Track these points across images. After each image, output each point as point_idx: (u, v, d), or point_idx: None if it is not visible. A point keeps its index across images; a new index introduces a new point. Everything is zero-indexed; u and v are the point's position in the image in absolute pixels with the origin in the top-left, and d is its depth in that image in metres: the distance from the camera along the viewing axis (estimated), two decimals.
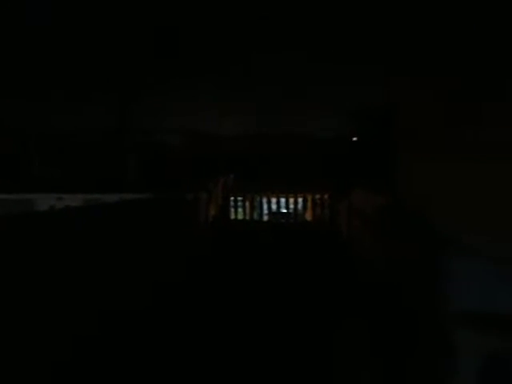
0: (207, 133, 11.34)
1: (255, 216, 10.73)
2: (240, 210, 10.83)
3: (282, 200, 10.92)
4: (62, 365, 2.23)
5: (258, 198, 10.73)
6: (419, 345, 2.57)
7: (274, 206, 10.96)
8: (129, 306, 3.15)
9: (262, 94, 6.70)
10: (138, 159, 7.49)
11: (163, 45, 4.56)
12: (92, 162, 10.50)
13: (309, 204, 10.68)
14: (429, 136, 3.17)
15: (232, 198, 10.73)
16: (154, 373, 2.77)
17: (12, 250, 1.92)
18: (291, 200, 10.95)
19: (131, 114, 7.90)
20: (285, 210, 10.93)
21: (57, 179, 9.65)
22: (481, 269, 2.38)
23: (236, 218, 10.60)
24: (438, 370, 2.32)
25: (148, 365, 2.82)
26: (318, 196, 10.49)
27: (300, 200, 10.80)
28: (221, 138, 11.84)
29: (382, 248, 3.74)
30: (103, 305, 2.76)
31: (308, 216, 10.77)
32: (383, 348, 2.86)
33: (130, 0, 3.43)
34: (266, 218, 10.83)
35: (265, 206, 10.85)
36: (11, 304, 1.87)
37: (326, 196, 10.23)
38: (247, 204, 10.75)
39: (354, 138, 11.44)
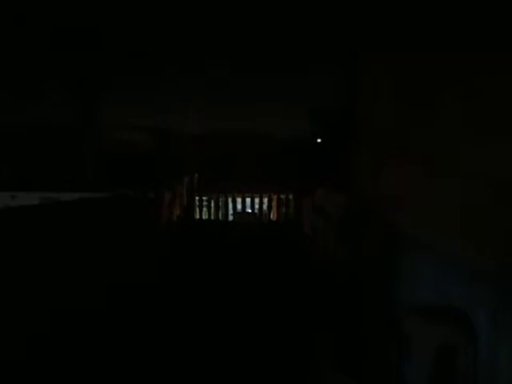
0: (172, 132, 11.14)
1: (220, 216, 10.65)
2: (205, 209, 10.73)
3: (248, 200, 10.92)
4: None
5: (223, 198, 10.66)
6: (373, 334, 2.64)
7: (239, 206, 10.94)
8: (80, 305, 3.03)
9: (223, 94, 6.70)
10: (99, 156, 7.21)
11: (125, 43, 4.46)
12: (48, 160, 10.02)
13: (274, 203, 10.75)
14: (386, 137, 3.26)
15: (197, 198, 10.60)
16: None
17: None
18: (256, 200, 10.97)
19: (92, 111, 7.62)
20: (250, 210, 10.93)
21: (7, 177, 9.12)
22: (434, 264, 2.47)
23: (201, 218, 10.50)
24: (392, 359, 2.39)
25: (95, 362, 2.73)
26: (283, 196, 10.57)
27: (265, 200, 10.84)
28: (186, 137, 11.67)
29: (343, 244, 3.81)
30: (55, 304, 2.65)
31: (273, 215, 10.84)
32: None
33: None
34: (231, 217, 10.79)
35: (230, 206, 10.81)
36: None
37: (290, 196, 10.33)
38: (212, 204, 10.66)
39: (319, 140, 11.63)
